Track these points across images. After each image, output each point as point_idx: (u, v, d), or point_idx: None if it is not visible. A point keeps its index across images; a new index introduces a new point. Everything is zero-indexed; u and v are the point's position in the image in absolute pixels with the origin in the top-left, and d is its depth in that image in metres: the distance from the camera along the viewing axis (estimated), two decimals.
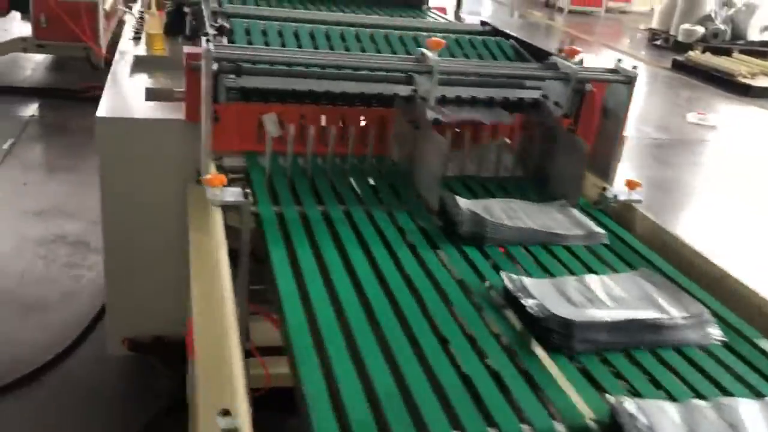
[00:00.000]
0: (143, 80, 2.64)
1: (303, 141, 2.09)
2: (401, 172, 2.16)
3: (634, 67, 2.12)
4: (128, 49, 3.07)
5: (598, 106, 2.25)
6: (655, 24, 12.59)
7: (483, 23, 3.07)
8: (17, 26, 7.12)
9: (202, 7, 2.74)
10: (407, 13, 3.52)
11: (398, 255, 1.71)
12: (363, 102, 2.25)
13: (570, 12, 14.71)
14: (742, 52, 11.31)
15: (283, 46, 2.45)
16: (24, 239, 3.64)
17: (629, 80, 2.11)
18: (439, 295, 1.55)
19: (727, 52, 11.23)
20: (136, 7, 3.94)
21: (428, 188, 1.95)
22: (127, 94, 2.43)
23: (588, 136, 2.25)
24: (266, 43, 2.44)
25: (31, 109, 5.63)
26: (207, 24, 2.33)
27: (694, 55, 10.34)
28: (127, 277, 2.39)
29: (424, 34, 2.69)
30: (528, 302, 1.44)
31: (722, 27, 11.52)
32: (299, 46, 2.46)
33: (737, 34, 11.68)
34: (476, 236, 1.78)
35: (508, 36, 2.82)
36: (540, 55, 2.56)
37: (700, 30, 11.47)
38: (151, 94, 2.18)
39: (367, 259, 1.67)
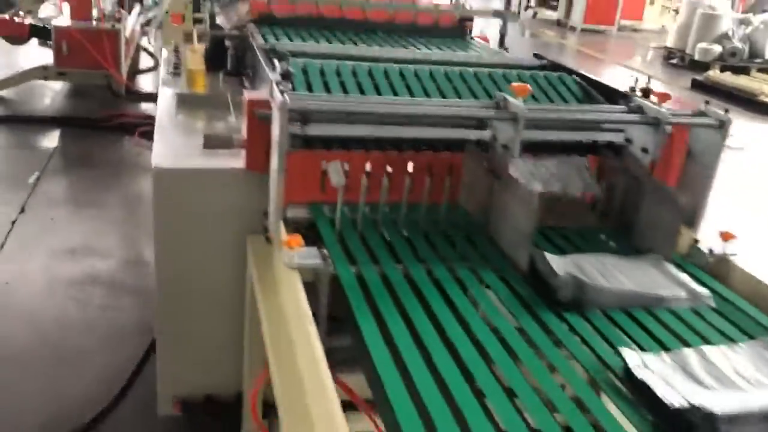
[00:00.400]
0: (190, 122, 2.52)
1: (368, 189, 1.97)
2: (476, 222, 2.04)
3: (727, 111, 1.99)
4: (169, 85, 2.96)
5: (681, 149, 2.12)
6: (670, 42, 12.50)
7: (538, 56, 2.95)
8: (35, 53, 7.06)
9: (253, 45, 2.62)
10: (452, 44, 3.41)
11: (494, 322, 1.57)
12: (430, 147, 2.13)
13: (582, 30, 14.64)
14: (760, 70, 11.21)
15: (342, 85, 2.33)
16: (55, 279, 3.51)
17: (721, 124, 1.98)
18: (547, 369, 1.42)
19: (745, 71, 11.13)
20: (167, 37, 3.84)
21: (515, 246, 1.82)
22: (178, 139, 2.31)
23: (667, 179, 2.12)
24: (325, 83, 2.32)
25: (54, 140, 5.53)
26: (266, 66, 2.21)
27: (714, 74, 10.23)
28: (179, 334, 2.25)
29: (484, 70, 2.57)
30: (659, 389, 1.30)
31: (740, 45, 11.43)
32: (359, 85, 2.34)
33: (755, 53, 11.57)
34: (576, 302, 1.65)
35: (570, 71, 2.70)
36: (610, 93, 2.44)
37: (718, 49, 11.37)
38: (210, 142, 2.06)
39: (462, 326, 1.54)
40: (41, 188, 4.52)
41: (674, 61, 12.10)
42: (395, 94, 2.31)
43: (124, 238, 3.99)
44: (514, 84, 1.90)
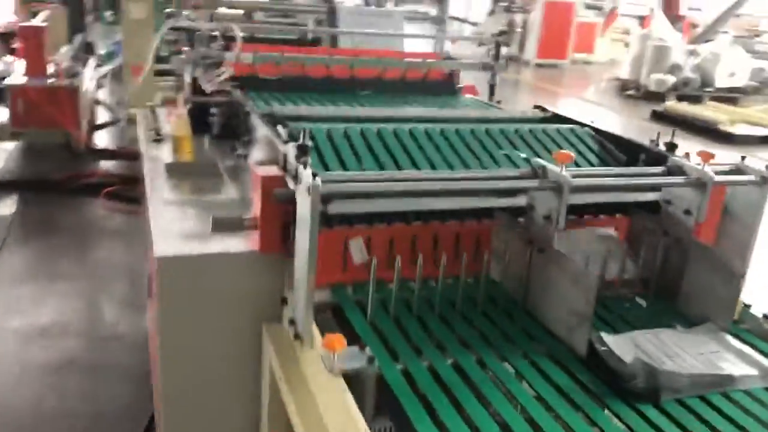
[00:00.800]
0: (185, 197, 2.32)
1: (390, 265, 1.82)
2: (511, 295, 1.89)
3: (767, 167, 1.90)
4: (153, 153, 2.76)
5: (718, 207, 2.02)
6: (624, 74, 12.76)
7: (541, 108, 2.85)
8: None
9: (244, 110, 2.44)
10: (446, 99, 3.30)
11: (565, 419, 1.41)
12: (455, 215, 1.99)
13: (537, 65, 14.87)
14: (712, 99, 11.51)
15: (353, 149, 2.18)
16: (29, 366, 3.22)
17: (764, 181, 1.88)
18: None
19: (698, 100, 11.42)
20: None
21: (569, 328, 1.66)
22: (176, 220, 2.11)
23: (704, 237, 2.01)
24: (335, 149, 2.15)
25: (11, 206, 5.20)
26: (273, 136, 2.04)
27: (673, 105, 10.44)
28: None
29: (495, 126, 2.44)
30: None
31: (692, 75, 11.73)
32: (370, 149, 2.18)
33: (706, 82, 11.90)
34: (650, 391, 1.50)
35: (580, 124, 2.60)
36: (629, 146, 2.34)
37: (672, 79, 11.65)
38: (219, 226, 1.87)
39: (531, 426, 1.38)
40: (3, 261, 4.21)
41: (630, 92, 12.34)
42: (411, 158, 2.16)
43: (98, 311, 3.72)
44: (557, 153, 1.76)
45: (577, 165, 2.28)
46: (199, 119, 2.89)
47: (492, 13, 16.27)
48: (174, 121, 2.77)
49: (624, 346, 1.62)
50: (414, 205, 1.77)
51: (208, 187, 2.51)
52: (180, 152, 2.76)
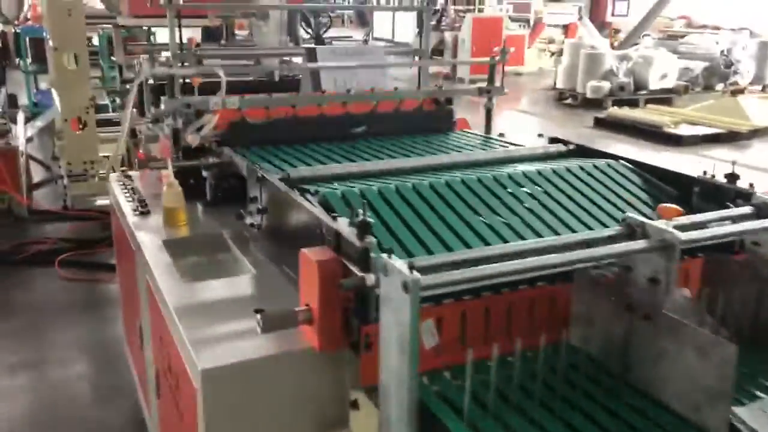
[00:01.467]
0: (205, 286, 2.01)
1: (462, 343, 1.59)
2: (601, 366, 1.67)
3: None
4: (143, 229, 2.43)
5: None
6: (560, 83, 12.92)
7: (563, 141, 2.67)
8: None
9: (242, 170, 2.16)
10: (443, 135, 3.09)
11: None
12: (527, 281, 1.77)
13: (471, 81, 14.91)
14: (648, 101, 11.77)
15: (393, 210, 1.93)
16: None
17: None
18: None
19: (634, 103, 11.65)
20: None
21: (697, 407, 1.46)
22: (204, 316, 1.80)
23: None
24: (376, 213, 1.90)
25: None
26: (317, 212, 1.77)
27: (614, 111, 10.59)
28: None
29: (530, 168, 2.24)
30: None
31: (626, 80, 11.97)
32: (413, 208, 1.94)
33: (639, 85, 12.16)
34: None
35: (613, 156, 2.43)
36: (677, 179, 2.19)
37: (607, 85, 11.85)
38: (269, 324, 1.58)
39: None
40: None
41: (568, 101, 12.49)
42: (463, 219, 1.92)
43: (77, 407, 3.31)
44: (663, 207, 1.57)
45: (631, 206, 2.10)
46: (186, 181, 2.59)
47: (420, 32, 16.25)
48: (166, 191, 2.46)
49: (761, 419, 1.42)
50: (508, 277, 1.54)
51: (222, 266, 2.22)
52: (174, 225, 2.45)
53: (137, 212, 2.57)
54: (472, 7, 17.51)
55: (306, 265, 1.60)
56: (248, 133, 2.79)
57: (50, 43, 5.71)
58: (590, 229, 1.96)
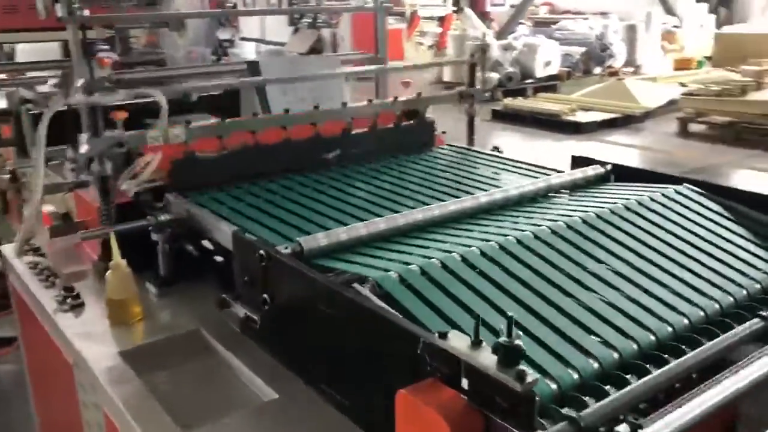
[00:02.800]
0: (201, 426, 1.38)
1: None
2: None
3: None
4: (76, 330, 1.74)
5: None
6: (446, 77, 12.74)
7: (591, 161, 2.23)
8: None
9: (267, 253, 1.53)
10: (429, 153, 2.59)
11: None
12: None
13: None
14: (535, 90, 11.81)
15: (466, 285, 1.39)
16: None
17: None
18: None
19: (523, 93, 11.66)
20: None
21: None
22: None
23: None
24: (457, 300, 1.35)
25: None
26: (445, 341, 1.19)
27: (511, 102, 10.48)
28: None
29: (590, 211, 1.77)
30: None
31: (512, 69, 11.94)
32: (498, 285, 1.41)
33: (526, 74, 12.19)
34: None
35: (658, 175, 2.02)
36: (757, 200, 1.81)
37: (496, 76, 11.73)
38: None
39: None
40: None
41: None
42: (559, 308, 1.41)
43: None
44: None
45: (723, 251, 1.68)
46: (126, 251, 1.91)
47: (296, 30, 15.61)
48: (110, 278, 1.77)
49: None
50: None
51: (222, 387, 1.58)
52: (123, 322, 1.78)
53: (65, 307, 1.86)
54: (346, 3, 16.99)
55: (417, 420, 1.03)
56: (200, 173, 2.14)
57: None
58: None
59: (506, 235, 1.59)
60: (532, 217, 1.78)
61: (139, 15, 3.84)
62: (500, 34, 14.13)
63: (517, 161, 2.45)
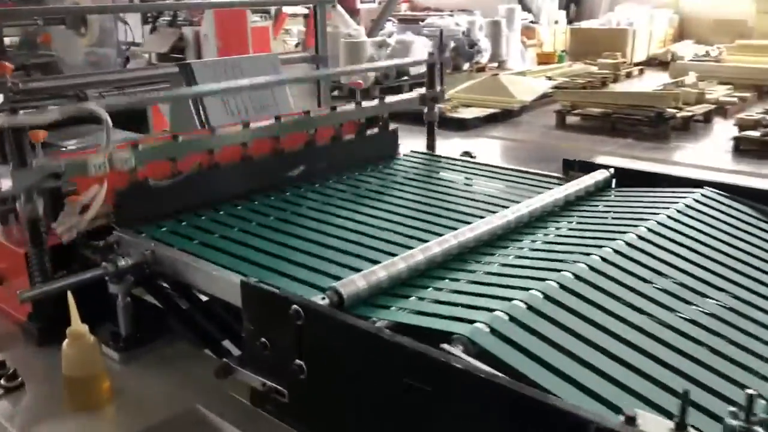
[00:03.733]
0: None
1: None
2: None
3: None
4: (15, 417, 1.31)
5: None
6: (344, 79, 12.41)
7: (603, 166, 2.05)
8: None
9: (299, 310, 1.19)
10: (395, 162, 2.32)
11: None
12: None
13: None
14: (411, 87, 11.77)
15: (561, 327, 1.14)
16: None
17: None
18: None
19: (399, 90, 11.58)
20: None
21: None
22: None
23: None
24: (545, 339, 1.10)
25: None
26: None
27: None
28: None
29: (607, 222, 1.59)
30: None
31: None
32: (586, 318, 1.17)
33: (400, 71, 12.11)
34: None
35: (687, 182, 1.87)
36: None
37: (372, 74, 11.59)
38: None
39: None
40: None
41: (335, 93, 12.03)
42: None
43: None
44: None
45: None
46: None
47: (154, 30, 14.61)
48: (67, 349, 1.35)
49: None
50: None
51: None
52: (87, 405, 1.37)
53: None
54: None
55: None
56: (153, 203, 1.74)
57: None
58: None
59: (575, 262, 1.35)
60: (579, 236, 1.56)
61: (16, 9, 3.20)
62: (371, 32, 13.99)
63: (501, 167, 2.24)
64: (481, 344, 1.07)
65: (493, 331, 1.10)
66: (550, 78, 12.05)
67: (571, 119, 9.44)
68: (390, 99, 2.48)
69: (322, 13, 2.87)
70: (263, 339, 1.27)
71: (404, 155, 2.48)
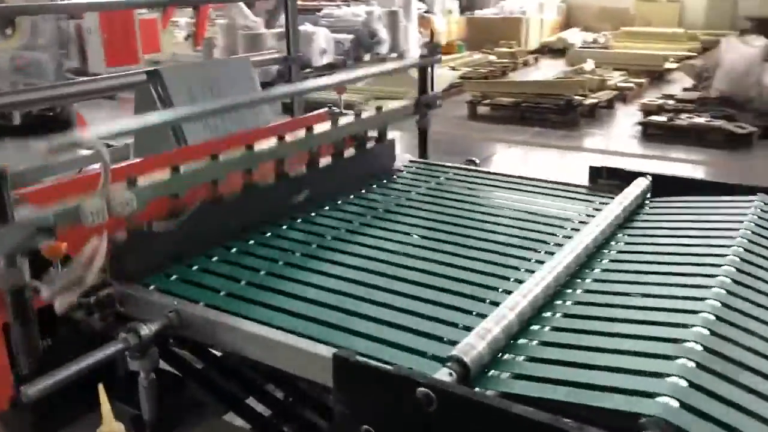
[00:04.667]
0: None
1: None
2: None
3: None
4: None
5: None
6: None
7: (634, 174, 1.90)
8: None
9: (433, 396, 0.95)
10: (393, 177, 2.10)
11: None
12: None
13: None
14: (315, 77, 11.46)
15: (736, 385, 0.97)
16: None
17: None
18: None
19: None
20: None
21: None
22: None
23: None
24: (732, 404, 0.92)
25: None
26: None
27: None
28: None
29: (732, 247, 1.45)
30: None
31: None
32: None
33: (303, 63, 11.75)
34: None
35: (739, 189, 1.76)
36: None
37: (275, 66, 11.17)
38: None
39: None
40: None
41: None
42: None
43: None
44: None
45: None
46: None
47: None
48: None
49: None
50: None
51: None
52: None
53: None
54: None
55: None
56: (155, 250, 1.43)
57: None
58: None
59: (702, 298, 1.18)
60: (669, 261, 1.39)
61: None
62: (268, 23, 13.52)
63: (525, 178, 2.06)
64: (679, 425, 0.87)
65: (683, 405, 0.91)
66: (453, 68, 12.08)
67: (482, 109, 9.46)
68: (386, 108, 2.23)
69: (293, 7, 2.58)
70: (366, 427, 1.01)
71: (405, 165, 2.25)
